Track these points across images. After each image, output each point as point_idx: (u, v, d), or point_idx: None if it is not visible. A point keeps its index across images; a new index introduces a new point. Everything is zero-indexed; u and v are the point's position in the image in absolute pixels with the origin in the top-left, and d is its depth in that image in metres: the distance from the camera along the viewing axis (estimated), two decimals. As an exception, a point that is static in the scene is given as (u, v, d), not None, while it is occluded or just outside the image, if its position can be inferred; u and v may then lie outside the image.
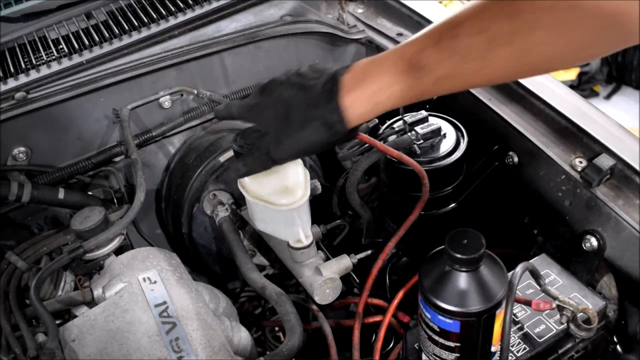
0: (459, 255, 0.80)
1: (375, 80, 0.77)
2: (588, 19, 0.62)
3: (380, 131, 1.20)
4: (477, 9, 0.69)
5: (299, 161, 1.04)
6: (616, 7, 0.60)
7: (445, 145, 1.15)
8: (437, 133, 1.14)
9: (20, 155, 1.28)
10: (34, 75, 1.31)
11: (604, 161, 1.02)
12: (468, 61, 0.70)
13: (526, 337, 0.96)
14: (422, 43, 0.74)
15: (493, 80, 0.76)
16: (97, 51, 1.36)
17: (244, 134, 0.97)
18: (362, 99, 0.78)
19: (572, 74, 3.62)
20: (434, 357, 0.90)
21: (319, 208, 1.14)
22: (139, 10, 1.46)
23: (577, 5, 0.62)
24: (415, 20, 1.42)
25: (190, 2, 1.47)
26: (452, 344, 0.86)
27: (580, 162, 1.05)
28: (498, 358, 0.90)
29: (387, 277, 1.25)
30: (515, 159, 1.17)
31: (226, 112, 0.91)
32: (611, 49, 0.68)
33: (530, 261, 1.01)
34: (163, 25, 1.42)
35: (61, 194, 1.24)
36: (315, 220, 1.08)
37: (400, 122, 1.18)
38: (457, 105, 1.26)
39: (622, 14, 0.60)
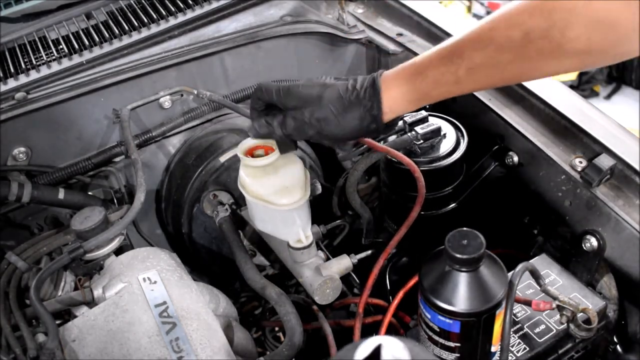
0: (458, 256, 0.80)
1: (409, 73, 0.83)
2: (623, 17, 0.67)
3: (380, 131, 1.20)
4: (513, 7, 0.75)
5: (299, 161, 1.04)
6: None
7: (445, 146, 1.15)
8: (437, 133, 1.14)
9: (20, 155, 1.28)
10: (34, 75, 1.31)
11: (604, 161, 1.02)
12: (503, 52, 0.75)
13: (526, 337, 0.96)
14: (462, 36, 0.79)
15: (526, 75, 0.81)
16: (97, 51, 1.36)
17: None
18: (396, 88, 0.84)
19: (572, 74, 3.62)
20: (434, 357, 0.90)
21: (319, 208, 1.14)
22: (139, 11, 1.46)
23: (612, 6, 0.67)
24: (415, 21, 1.43)
25: (190, 2, 1.47)
26: (452, 344, 0.86)
27: (580, 162, 1.05)
28: (498, 358, 0.90)
29: (387, 277, 1.25)
30: (515, 159, 1.17)
31: (267, 94, 0.91)
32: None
33: (530, 261, 1.01)
34: (163, 25, 1.42)
35: (61, 194, 1.24)
36: (315, 220, 1.08)
37: (400, 122, 1.18)
38: (457, 106, 1.26)
39: None
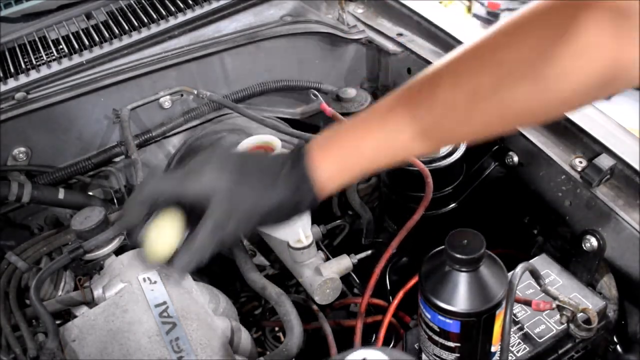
0: (459, 256, 0.80)
1: (345, 138, 0.70)
2: (574, 73, 0.59)
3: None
4: (458, 61, 0.66)
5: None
6: (612, 62, 0.57)
7: (445, 145, 1.15)
8: (437, 133, 1.14)
9: (20, 155, 1.28)
10: (34, 75, 1.31)
11: (604, 161, 1.02)
12: (448, 115, 0.66)
13: (526, 337, 0.96)
14: (400, 97, 0.68)
15: (474, 136, 0.69)
16: (97, 51, 1.36)
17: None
18: (330, 157, 0.69)
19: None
20: (434, 357, 0.90)
21: (319, 208, 1.13)
22: (139, 11, 1.46)
23: (561, 56, 0.58)
24: (415, 20, 1.43)
25: (190, 2, 1.47)
26: (452, 344, 0.86)
27: (580, 162, 1.05)
28: (498, 358, 0.90)
29: (387, 277, 1.25)
30: (515, 159, 1.17)
31: (152, 191, 0.70)
32: (604, 96, 0.64)
33: (530, 261, 1.01)
34: (163, 25, 1.42)
35: (61, 194, 1.24)
36: (315, 220, 1.08)
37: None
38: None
39: (617, 69, 0.57)
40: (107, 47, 1.37)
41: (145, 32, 1.40)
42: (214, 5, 1.46)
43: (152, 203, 0.69)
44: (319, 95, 1.27)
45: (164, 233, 0.70)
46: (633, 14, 0.54)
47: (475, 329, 0.84)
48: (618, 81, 0.59)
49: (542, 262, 1.06)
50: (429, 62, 1.33)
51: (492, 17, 4.51)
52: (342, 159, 0.69)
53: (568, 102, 0.63)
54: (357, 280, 1.24)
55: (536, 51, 0.59)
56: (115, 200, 1.36)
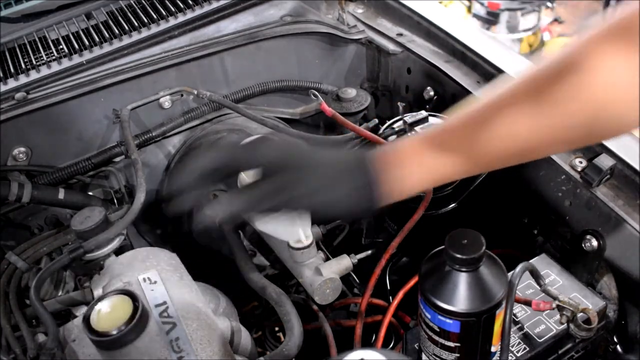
0: (458, 256, 0.80)
1: (417, 156, 0.73)
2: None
3: (380, 131, 1.20)
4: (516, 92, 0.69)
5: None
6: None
7: (445, 145, 1.14)
8: (437, 133, 1.14)
9: (20, 155, 1.28)
10: (34, 75, 1.31)
11: (604, 161, 1.01)
12: (514, 137, 0.69)
13: (526, 337, 0.96)
14: (465, 120, 0.74)
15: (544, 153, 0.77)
16: (97, 51, 1.36)
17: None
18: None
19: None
20: (434, 357, 0.90)
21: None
22: (139, 11, 1.46)
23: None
24: (415, 21, 1.43)
25: (190, 2, 1.47)
26: (452, 344, 0.86)
27: (580, 162, 1.05)
28: (498, 358, 0.90)
29: (387, 277, 1.25)
30: (515, 159, 1.16)
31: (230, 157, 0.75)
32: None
33: (530, 261, 1.01)
34: (163, 25, 1.42)
35: (61, 194, 1.24)
36: (315, 220, 1.08)
37: (400, 122, 1.18)
38: (457, 105, 1.26)
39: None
40: (107, 47, 1.37)
41: (145, 32, 1.40)
42: (214, 5, 1.46)
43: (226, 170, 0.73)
44: (319, 95, 1.27)
45: (116, 310, 0.80)
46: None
47: (475, 329, 0.84)
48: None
49: (542, 262, 1.06)
50: (428, 62, 1.33)
51: (492, 17, 4.51)
52: (415, 174, 0.73)
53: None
54: (357, 280, 1.24)
55: None
56: (115, 200, 1.36)
